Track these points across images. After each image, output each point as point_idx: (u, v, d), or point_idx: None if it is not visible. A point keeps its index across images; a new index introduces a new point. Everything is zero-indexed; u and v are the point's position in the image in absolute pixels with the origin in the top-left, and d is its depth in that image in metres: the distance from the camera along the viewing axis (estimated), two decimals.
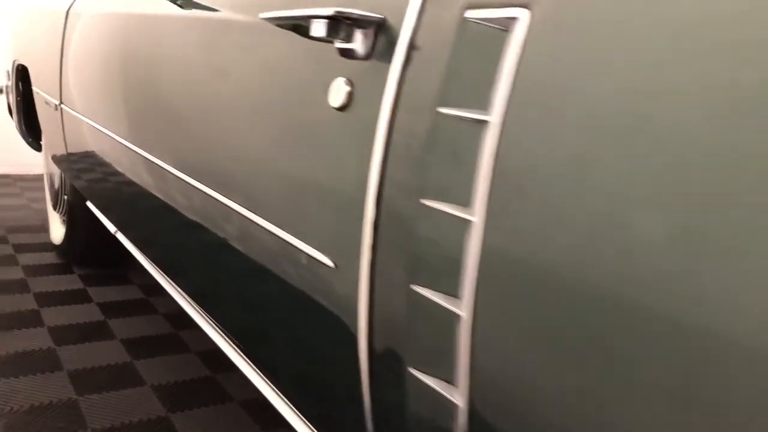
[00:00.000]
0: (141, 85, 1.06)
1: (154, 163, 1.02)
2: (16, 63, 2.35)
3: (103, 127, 1.27)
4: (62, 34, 1.50)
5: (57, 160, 1.80)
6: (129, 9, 1.17)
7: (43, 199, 3.15)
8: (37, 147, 2.59)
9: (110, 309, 1.89)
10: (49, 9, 1.71)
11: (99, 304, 1.90)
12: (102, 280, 2.09)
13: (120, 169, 1.25)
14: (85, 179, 1.55)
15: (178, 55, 0.93)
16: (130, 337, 1.71)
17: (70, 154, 1.58)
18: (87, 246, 2.11)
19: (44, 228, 2.62)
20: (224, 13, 0.79)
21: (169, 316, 1.88)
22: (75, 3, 1.49)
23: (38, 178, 3.72)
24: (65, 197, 2.14)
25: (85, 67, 1.34)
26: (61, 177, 2.12)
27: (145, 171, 1.08)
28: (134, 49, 1.09)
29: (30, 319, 1.75)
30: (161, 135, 0.99)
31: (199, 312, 1.00)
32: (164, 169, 0.98)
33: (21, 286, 1.99)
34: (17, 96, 2.49)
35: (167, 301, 1.94)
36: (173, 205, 0.99)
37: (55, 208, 2.24)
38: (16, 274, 2.09)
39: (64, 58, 1.48)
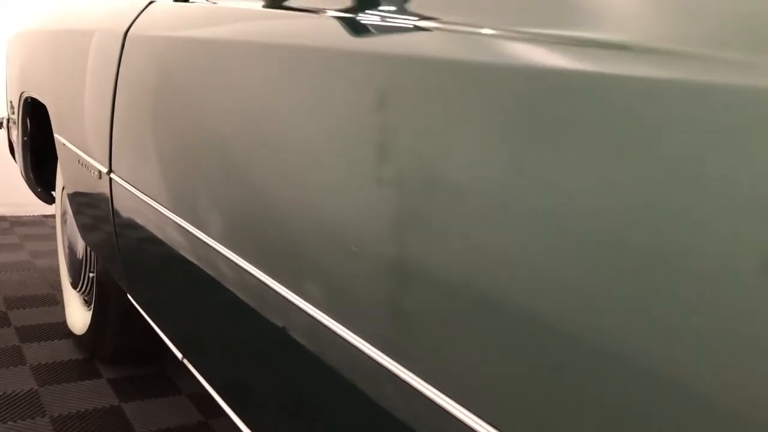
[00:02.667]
0: (279, 163, 0.56)
1: (286, 299, 0.52)
2: (25, 95, 1.83)
3: (195, 227, 0.76)
4: (116, 69, 0.98)
5: (97, 247, 1.27)
6: (257, 34, 0.66)
7: (49, 253, 2.60)
8: (48, 199, 2.06)
9: None
10: (86, 29, 1.20)
11: None
12: (141, 390, 1.56)
13: (215, 296, 0.73)
14: (147, 291, 1.03)
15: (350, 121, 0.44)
16: None
17: (123, 251, 1.06)
18: (120, 340, 1.58)
19: (54, 299, 2.09)
20: None
21: None
22: (138, 22, 0.98)
23: (39, 221, 3.17)
24: (91, 275, 1.62)
25: (164, 125, 0.83)
26: (87, 247, 1.59)
27: (267, 306, 0.58)
28: (266, 101, 0.59)
29: None
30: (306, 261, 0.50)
31: None
32: (310, 316, 0.49)
33: (31, 404, 1.45)
34: (24, 135, 1.96)
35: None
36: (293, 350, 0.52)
37: (75, 287, 1.70)
38: (23, 379, 1.56)
39: (119, 104, 0.96)
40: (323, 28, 0.56)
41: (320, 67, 0.51)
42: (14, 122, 2.23)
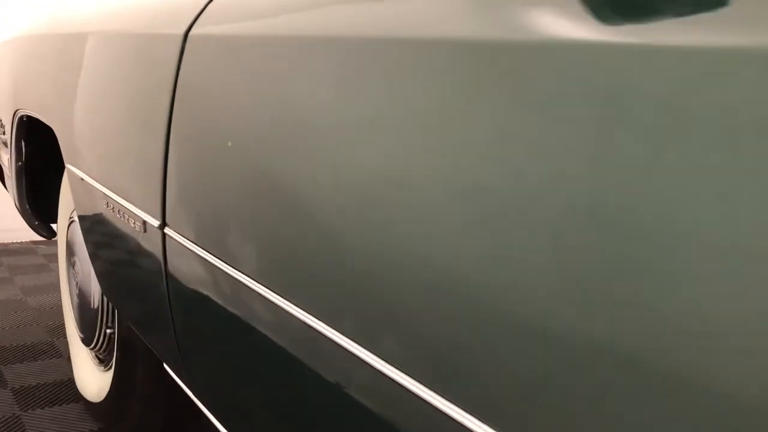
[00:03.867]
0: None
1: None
2: (20, 114, 1.54)
3: (294, 304, 0.51)
4: (172, 83, 0.71)
5: (138, 317, 0.99)
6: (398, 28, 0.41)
7: (42, 288, 2.30)
8: (47, 233, 1.77)
9: None
10: (113, 32, 0.92)
11: None
12: None
13: (309, 386, 0.49)
14: (209, 376, 0.75)
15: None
16: None
17: (180, 326, 0.78)
18: (148, 411, 1.30)
19: (55, 349, 1.79)
20: None
21: None
22: (205, 18, 0.71)
23: (28, 248, 2.86)
24: (109, 331, 1.33)
25: (255, 161, 0.57)
26: (103, 295, 1.31)
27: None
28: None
29: None
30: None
31: None
32: None
33: None
34: (18, 159, 1.67)
35: None
36: None
37: (88, 344, 1.41)
38: None
39: (178, 131, 0.70)
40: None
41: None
42: (4, 143, 1.93)
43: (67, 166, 1.11)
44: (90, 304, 1.38)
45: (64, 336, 1.79)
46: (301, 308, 0.52)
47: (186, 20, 0.73)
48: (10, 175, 1.77)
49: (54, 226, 1.75)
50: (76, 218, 1.43)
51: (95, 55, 0.95)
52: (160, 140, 0.73)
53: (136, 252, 0.84)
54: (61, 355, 1.76)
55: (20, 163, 1.66)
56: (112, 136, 0.87)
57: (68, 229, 1.49)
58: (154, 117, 0.75)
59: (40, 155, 1.66)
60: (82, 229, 1.14)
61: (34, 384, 1.59)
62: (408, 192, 0.41)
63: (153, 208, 0.77)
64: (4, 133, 1.79)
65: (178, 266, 0.75)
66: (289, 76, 0.54)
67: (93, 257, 1.11)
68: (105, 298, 1.31)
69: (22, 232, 3.06)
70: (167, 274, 0.78)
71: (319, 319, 0.49)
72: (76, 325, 1.50)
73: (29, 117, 1.52)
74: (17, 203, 1.73)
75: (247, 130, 0.59)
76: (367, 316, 0.44)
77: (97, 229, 1.03)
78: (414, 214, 0.40)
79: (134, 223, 0.82)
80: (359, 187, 0.45)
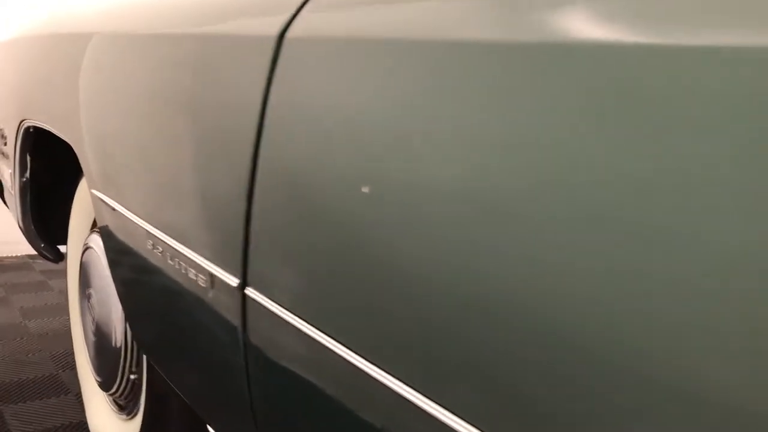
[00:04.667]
0: None
1: None
2: (26, 124, 1.36)
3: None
4: (261, 99, 0.54)
5: (197, 395, 0.81)
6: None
7: (43, 310, 2.11)
8: (55, 256, 1.58)
9: None
10: (161, 33, 0.75)
11: None
12: None
13: None
14: None
15: None
16: None
17: (260, 402, 0.61)
18: None
19: (61, 384, 1.61)
20: None
21: None
22: (306, 16, 0.54)
23: (24, 263, 2.66)
24: (133, 377, 1.16)
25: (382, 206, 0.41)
26: (127, 334, 1.13)
27: None
28: None
29: None
30: None
31: None
32: None
33: None
34: (22, 174, 1.49)
35: None
36: None
37: (107, 389, 1.23)
38: None
39: (268, 162, 0.53)
40: None
41: None
42: (4, 155, 1.74)
43: (92, 191, 0.94)
44: (110, 343, 1.20)
45: (72, 367, 1.61)
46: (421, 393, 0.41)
47: (276, 19, 0.56)
48: (11, 191, 1.58)
49: (62, 247, 1.57)
50: (92, 245, 1.25)
51: (138, 58, 0.78)
52: (243, 175, 0.56)
53: (198, 311, 0.67)
54: (69, 391, 1.58)
55: (25, 179, 1.47)
56: (166, 163, 0.70)
57: (82, 256, 1.31)
58: (233, 143, 0.58)
59: (48, 170, 1.48)
60: (111, 268, 0.96)
61: (41, 429, 1.41)
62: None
63: (229, 262, 0.59)
64: (5, 144, 1.60)
65: (262, 334, 0.58)
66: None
67: (128, 305, 0.93)
68: (129, 339, 1.14)
69: (17, 246, 2.87)
70: (246, 342, 0.60)
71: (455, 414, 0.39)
72: (90, 365, 1.32)
73: (37, 128, 1.34)
74: (20, 222, 1.55)
75: (379, 170, 0.43)
76: (481, 394, 0.37)
77: (137, 275, 0.85)
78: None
79: (197, 276, 0.65)
80: (487, 262, 0.36)
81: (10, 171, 1.56)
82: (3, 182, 1.72)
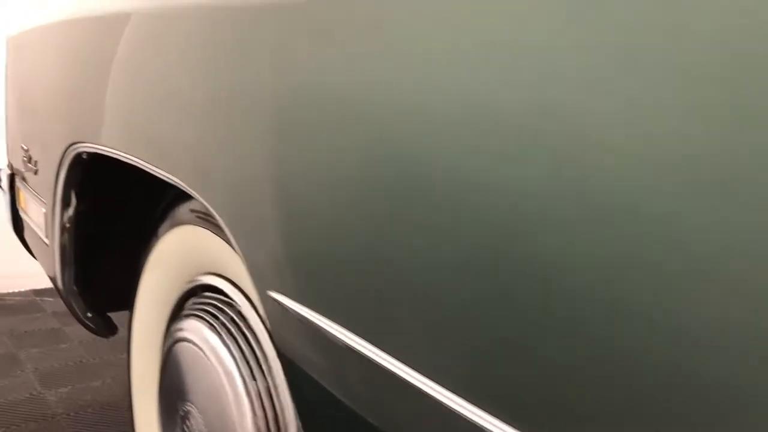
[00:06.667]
0: None
1: None
2: (78, 149, 0.92)
3: None
4: None
5: None
6: None
7: (62, 372, 1.65)
8: (106, 329, 1.14)
9: None
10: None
11: None
12: None
13: None
14: None
15: None
16: None
17: None
18: None
19: None
20: None
21: None
22: None
23: (30, 302, 2.21)
24: None
25: None
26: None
27: None
28: None
29: None
30: None
31: None
32: None
33: None
34: (63, 216, 1.04)
35: None
36: None
37: None
38: None
39: None
40: None
41: None
42: (22, 178, 1.30)
43: (270, 293, 0.51)
44: None
45: None
46: None
47: None
48: (44, 237, 1.14)
49: (116, 324, 1.13)
50: (189, 336, 0.82)
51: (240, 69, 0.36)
52: None
53: None
54: None
55: (68, 224, 1.03)
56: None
57: (168, 351, 0.87)
58: None
59: (95, 215, 1.04)
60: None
61: None
62: None
63: None
64: (36, 173, 1.16)
65: None
66: None
67: None
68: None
69: (20, 279, 2.40)
70: None
71: None
72: None
73: (90, 154, 0.91)
74: (58, 280, 1.10)
75: None
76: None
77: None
78: None
79: None
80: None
81: (44, 210, 1.12)
82: (29, 223, 1.27)
